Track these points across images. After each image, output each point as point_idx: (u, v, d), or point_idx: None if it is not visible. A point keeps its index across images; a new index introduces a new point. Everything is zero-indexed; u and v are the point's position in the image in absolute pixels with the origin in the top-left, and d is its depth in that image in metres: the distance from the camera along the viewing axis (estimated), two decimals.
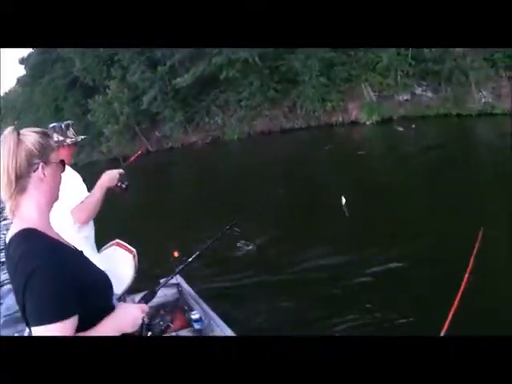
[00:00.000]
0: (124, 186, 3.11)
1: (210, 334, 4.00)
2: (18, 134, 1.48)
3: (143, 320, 1.69)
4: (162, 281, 4.21)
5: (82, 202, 2.76)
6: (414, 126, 16.19)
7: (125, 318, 1.60)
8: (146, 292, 1.97)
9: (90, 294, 1.47)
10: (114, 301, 1.69)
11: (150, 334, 1.78)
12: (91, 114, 21.47)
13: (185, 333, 4.06)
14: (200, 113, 21.85)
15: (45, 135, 1.54)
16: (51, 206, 1.60)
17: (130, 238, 3.69)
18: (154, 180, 17.10)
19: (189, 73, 19.79)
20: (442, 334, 2.61)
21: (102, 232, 3.22)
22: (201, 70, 19.79)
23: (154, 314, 4.07)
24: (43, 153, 1.50)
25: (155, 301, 4.04)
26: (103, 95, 21.25)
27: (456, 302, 2.84)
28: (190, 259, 2.06)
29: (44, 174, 1.50)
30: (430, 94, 17.76)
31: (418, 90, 17.95)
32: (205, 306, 4.39)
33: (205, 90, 21.80)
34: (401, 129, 16.22)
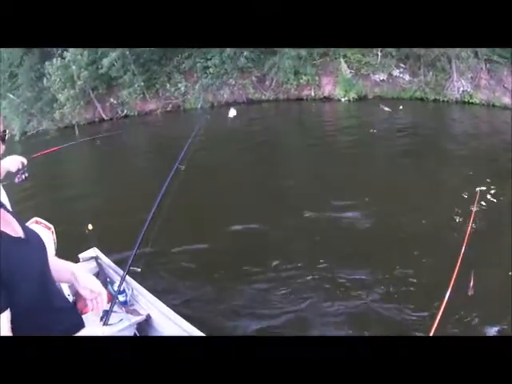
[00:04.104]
0: (24, 176, 3.21)
1: (135, 305, 4.13)
2: None
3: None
4: (80, 256, 4.66)
5: None
6: (401, 107, 16.65)
7: None
8: None
9: (21, 285, 1.41)
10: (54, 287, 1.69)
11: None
12: (47, 78, 18.83)
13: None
14: (161, 79, 20.13)
15: None
16: None
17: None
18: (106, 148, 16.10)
19: None
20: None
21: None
22: None
23: (77, 290, 4.35)
24: None
25: None
26: (61, 58, 18.72)
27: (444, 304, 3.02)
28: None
29: None
30: (406, 77, 18.32)
31: (396, 72, 18.41)
32: (126, 276, 4.27)
33: (167, 55, 20.06)
34: (387, 109, 16.54)
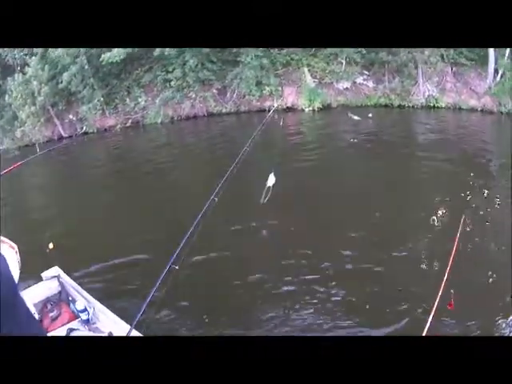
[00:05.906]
0: None
1: (97, 323, 4.24)
2: None
3: None
4: (43, 274, 4.85)
5: None
6: (370, 114, 16.34)
7: None
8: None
9: None
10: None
11: None
12: (9, 94, 18.11)
13: (75, 325, 4.25)
14: (121, 93, 19.36)
15: None
16: None
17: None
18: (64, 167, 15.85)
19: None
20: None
21: None
22: None
23: (42, 308, 4.63)
24: None
25: (41, 295, 4.70)
26: (22, 74, 18.04)
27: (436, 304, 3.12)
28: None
29: None
30: (370, 84, 18.10)
31: (360, 79, 18.18)
32: (87, 295, 4.54)
33: (127, 69, 19.39)
34: (356, 117, 16.21)
